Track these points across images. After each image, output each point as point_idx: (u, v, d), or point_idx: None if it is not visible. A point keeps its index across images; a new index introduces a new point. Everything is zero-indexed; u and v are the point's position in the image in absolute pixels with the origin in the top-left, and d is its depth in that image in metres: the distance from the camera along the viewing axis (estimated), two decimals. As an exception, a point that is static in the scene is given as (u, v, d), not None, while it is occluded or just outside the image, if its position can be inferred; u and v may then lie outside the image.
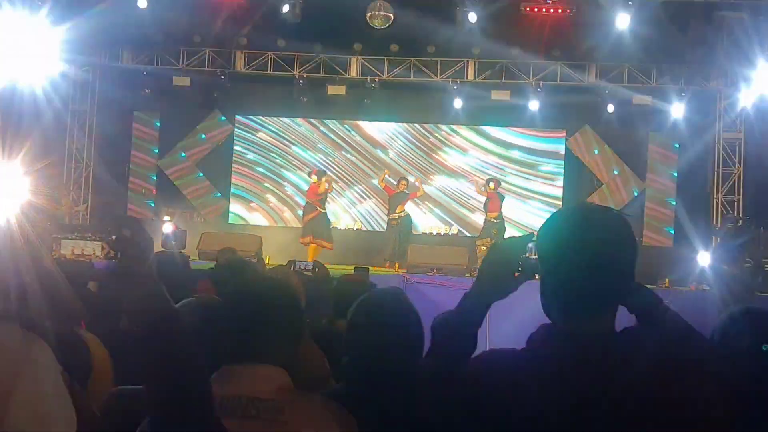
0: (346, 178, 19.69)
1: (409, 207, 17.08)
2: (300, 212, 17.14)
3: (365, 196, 19.64)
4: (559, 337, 1.90)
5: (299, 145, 19.97)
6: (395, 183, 16.96)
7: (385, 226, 17.85)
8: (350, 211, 19.61)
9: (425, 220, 19.06)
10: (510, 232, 15.92)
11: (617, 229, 1.93)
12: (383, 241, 17.05)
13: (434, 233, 18.85)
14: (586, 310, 1.86)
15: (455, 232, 19.19)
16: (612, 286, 1.88)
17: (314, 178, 16.18)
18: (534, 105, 18.15)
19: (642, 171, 19.32)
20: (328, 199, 16.43)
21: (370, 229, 19.37)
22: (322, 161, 19.64)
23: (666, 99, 17.85)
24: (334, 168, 19.59)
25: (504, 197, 16.46)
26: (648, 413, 1.73)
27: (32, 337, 1.35)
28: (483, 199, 16.77)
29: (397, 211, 16.46)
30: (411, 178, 17.59)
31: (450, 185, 19.58)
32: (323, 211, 15.98)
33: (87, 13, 16.75)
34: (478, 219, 18.39)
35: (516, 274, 1.98)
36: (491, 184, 16.38)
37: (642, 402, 1.74)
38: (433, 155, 19.67)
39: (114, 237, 1.85)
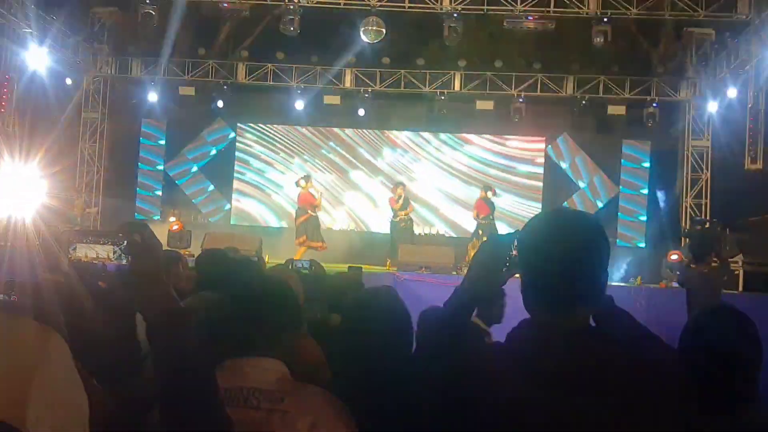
0: (339, 184, 19.66)
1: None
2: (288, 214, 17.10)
3: (358, 200, 19.61)
4: (536, 330, 1.91)
5: (297, 151, 19.94)
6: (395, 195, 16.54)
7: (380, 228, 17.69)
8: (345, 213, 19.59)
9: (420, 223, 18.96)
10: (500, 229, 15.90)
11: (591, 232, 1.94)
12: (381, 240, 16.99)
13: (423, 233, 18.77)
14: (562, 306, 1.88)
15: (435, 232, 19.13)
16: (586, 284, 1.89)
17: (302, 183, 16.16)
18: (516, 114, 18.15)
19: (616, 176, 19.38)
20: (323, 202, 16.37)
21: (365, 230, 19.35)
22: (317, 166, 19.64)
23: (639, 109, 17.92)
24: (327, 172, 19.60)
25: (494, 205, 16.29)
26: (612, 404, 1.75)
27: (47, 329, 1.35)
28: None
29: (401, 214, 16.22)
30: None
31: (438, 187, 19.57)
32: (314, 214, 15.95)
33: (98, 26, 16.76)
34: (461, 219, 18.45)
35: (505, 268, 1.99)
36: (488, 192, 16.21)
37: (607, 392, 1.75)
38: (422, 160, 19.65)
39: (125, 242, 1.86)
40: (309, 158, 19.86)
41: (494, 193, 16.33)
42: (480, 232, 15.66)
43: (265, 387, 2.21)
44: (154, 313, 1.74)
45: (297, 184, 16.41)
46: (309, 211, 15.89)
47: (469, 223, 17.87)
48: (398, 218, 16.05)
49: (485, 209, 15.93)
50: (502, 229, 16.03)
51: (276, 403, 2.18)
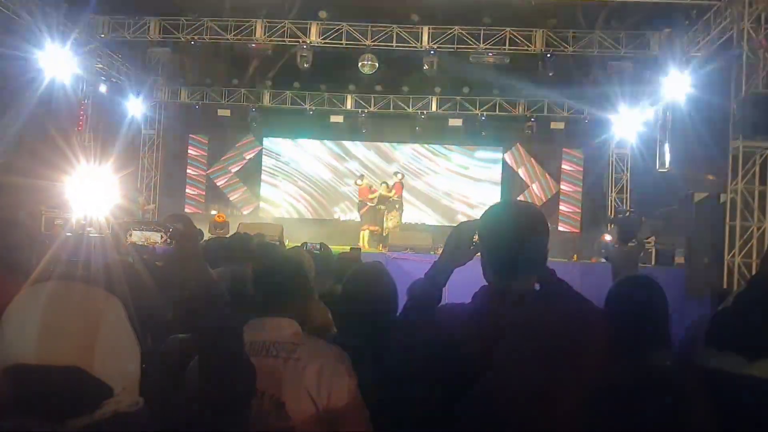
0: (345, 184, 19.63)
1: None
2: (304, 207, 17.02)
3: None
4: (493, 292, 1.93)
5: (310, 159, 19.91)
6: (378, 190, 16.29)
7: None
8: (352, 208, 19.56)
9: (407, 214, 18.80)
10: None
11: (534, 218, 1.98)
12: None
13: (411, 222, 18.67)
14: (511, 272, 1.90)
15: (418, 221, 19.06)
16: (529, 256, 1.91)
17: (359, 182, 16.28)
18: (479, 129, 18.16)
19: (557, 176, 19.40)
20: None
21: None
22: (328, 171, 19.60)
23: (575, 124, 17.94)
24: (336, 176, 19.57)
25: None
26: (552, 352, 1.76)
27: (112, 297, 1.36)
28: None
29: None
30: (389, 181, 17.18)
31: (421, 186, 19.56)
32: (372, 205, 15.89)
33: (154, 62, 16.70)
34: (439, 211, 18.47)
35: (471, 246, 2.00)
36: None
37: (548, 342, 1.77)
38: (407, 165, 19.62)
39: (170, 229, 1.86)
40: (320, 165, 19.82)
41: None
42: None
43: (282, 340, 2.20)
44: (192, 284, 1.73)
45: (355, 183, 16.37)
46: (368, 203, 15.82)
47: (442, 213, 17.91)
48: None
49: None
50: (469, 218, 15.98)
51: (290, 353, 2.17)
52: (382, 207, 15.91)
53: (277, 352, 2.17)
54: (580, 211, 19.22)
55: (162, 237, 12.03)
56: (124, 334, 1.35)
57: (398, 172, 17.17)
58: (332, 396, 2.11)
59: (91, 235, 10.76)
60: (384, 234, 15.57)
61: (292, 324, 2.25)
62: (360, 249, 11.28)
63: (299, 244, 7.65)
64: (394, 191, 16.09)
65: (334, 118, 18.37)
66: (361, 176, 16.67)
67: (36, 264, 2.45)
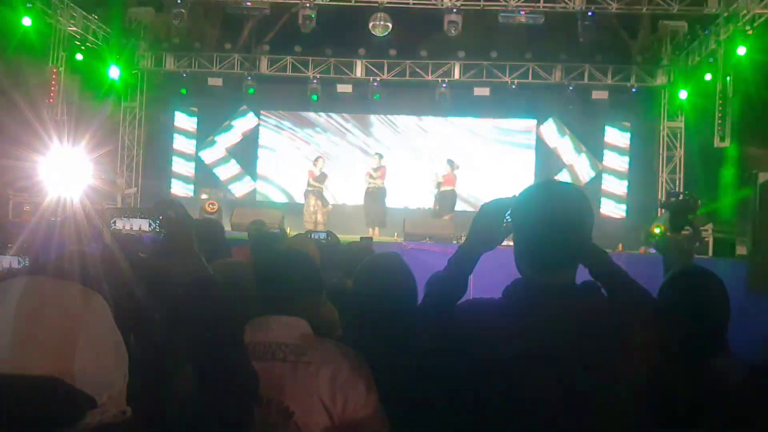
0: (352, 164, 19.57)
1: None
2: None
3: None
4: (528, 287, 1.92)
5: (313, 134, 19.90)
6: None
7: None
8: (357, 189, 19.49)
9: (421, 197, 18.77)
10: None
11: (577, 200, 1.95)
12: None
13: (426, 208, 18.57)
14: (550, 266, 1.88)
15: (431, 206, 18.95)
16: (572, 246, 1.89)
17: (377, 162, 16.09)
18: (510, 99, 18.05)
19: (600, 154, 19.29)
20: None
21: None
22: (331, 148, 19.58)
23: (620, 94, 17.82)
24: (342, 154, 19.55)
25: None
26: (598, 354, 1.75)
27: (91, 292, 1.35)
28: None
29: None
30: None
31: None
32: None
33: (135, 24, 16.73)
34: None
35: (503, 227, 1.99)
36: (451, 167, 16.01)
37: (593, 343, 1.76)
38: (426, 141, 19.56)
39: (161, 217, 1.87)
40: (324, 141, 19.81)
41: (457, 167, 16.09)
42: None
43: (290, 341, 2.21)
44: (186, 278, 1.74)
45: (374, 169, 16.13)
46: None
47: (465, 196, 17.85)
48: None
49: (452, 180, 15.84)
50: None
51: (300, 356, 2.19)
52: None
53: (285, 354, 2.19)
54: (625, 193, 19.11)
55: (150, 225, 12.07)
56: (109, 337, 1.34)
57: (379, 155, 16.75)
58: (348, 405, 2.12)
59: (66, 222, 10.81)
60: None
61: (302, 324, 2.27)
62: (372, 238, 11.31)
63: (303, 233, 7.66)
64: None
65: (341, 88, 18.30)
66: (379, 155, 16.51)
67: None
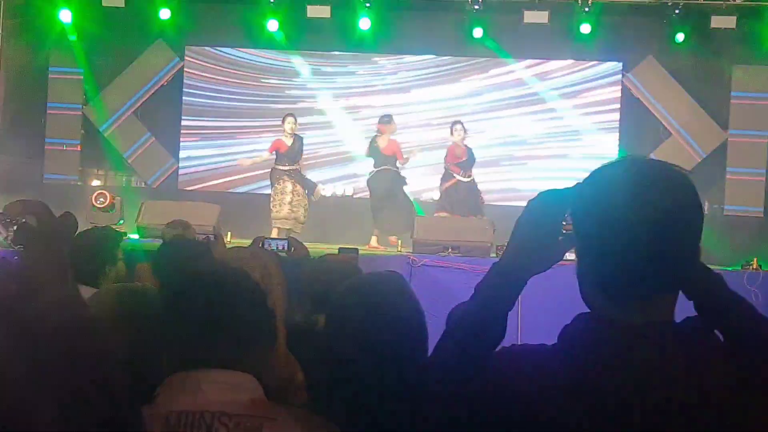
0: (331, 133, 19.62)
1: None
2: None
3: (354, 157, 19.39)
4: (600, 329, 1.91)
5: (269, 85, 19.93)
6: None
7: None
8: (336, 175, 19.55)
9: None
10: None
11: (681, 193, 1.90)
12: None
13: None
14: (637, 295, 1.87)
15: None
16: (671, 264, 1.87)
17: (385, 127, 16.12)
18: (581, 30, 18.05)
19: (723, 117, 19.26)
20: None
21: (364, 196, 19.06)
22: (300, 107, 19.55)
23: (755, 20, 17.80)
24: (316, 117, 19.57)
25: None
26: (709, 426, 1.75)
27: None
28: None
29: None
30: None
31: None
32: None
33: None
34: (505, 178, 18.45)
35: (559, 237, 1.97)
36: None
37: (706, 418, 1.75)
38: (442, 95, 19.60)
39: (16, 227, 1.87)
40: (289, 96, 19.83)
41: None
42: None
43: (232, 410, 2.21)
44: (52, 318, 1.73)
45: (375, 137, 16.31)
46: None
47: (509, 183, 17.94)
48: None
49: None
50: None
51: None
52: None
53: (228, 430, 2.19)
54: (763, 181, 19.13)
55: (4, 235, 12.10)
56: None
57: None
58: None
59: None
60: None
61: (250, 383, 2.27)
62: (356, 250, 11.30)
63: (250, 241, 7.69)
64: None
65: (312, 11, 18.27)
66: (387, 117, 16.47)
67: None
